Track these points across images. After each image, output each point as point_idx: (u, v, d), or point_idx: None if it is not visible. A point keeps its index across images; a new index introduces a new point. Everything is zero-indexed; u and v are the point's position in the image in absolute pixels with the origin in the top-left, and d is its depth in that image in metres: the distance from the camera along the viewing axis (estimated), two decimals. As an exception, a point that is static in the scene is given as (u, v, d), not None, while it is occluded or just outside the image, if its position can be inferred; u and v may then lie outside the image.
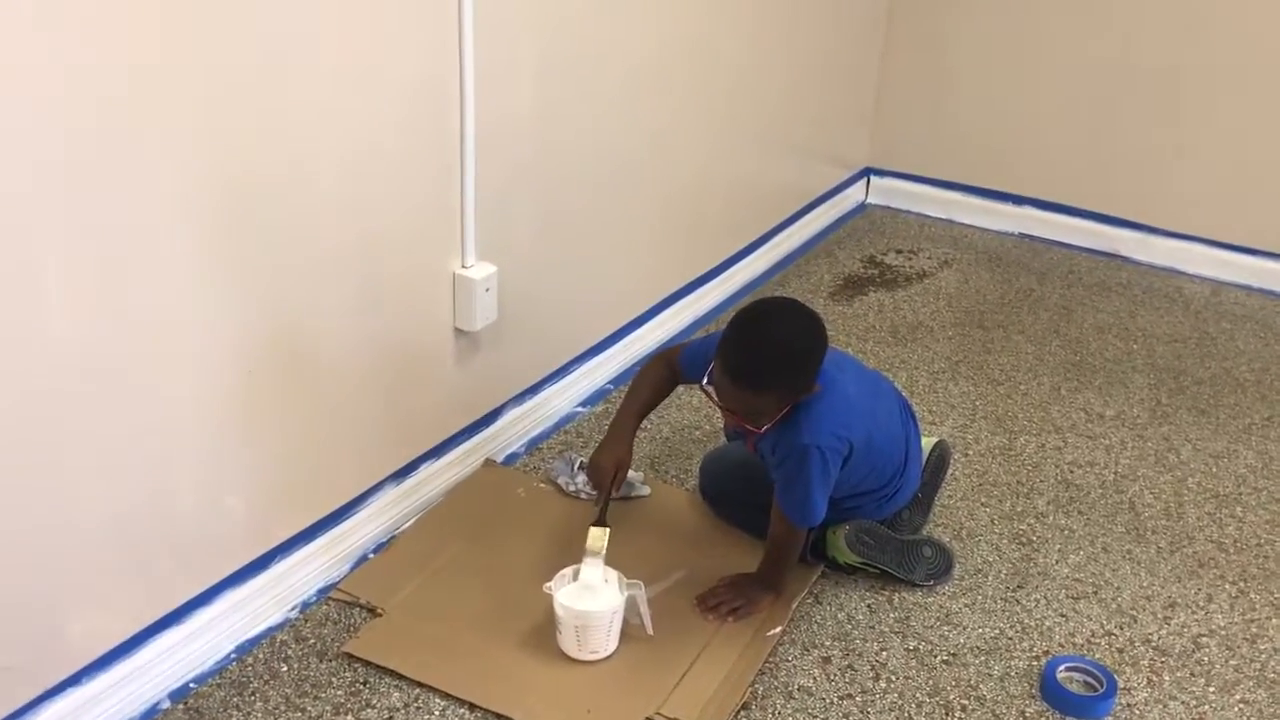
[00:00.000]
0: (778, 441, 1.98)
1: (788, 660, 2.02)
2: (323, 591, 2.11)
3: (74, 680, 1.75)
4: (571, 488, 2.37)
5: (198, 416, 1.81)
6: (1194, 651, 2.08)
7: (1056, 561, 2.29)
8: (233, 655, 1.96)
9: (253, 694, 1.89)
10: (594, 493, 2.33)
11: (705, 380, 1.99)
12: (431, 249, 2.17)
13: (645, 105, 2.68)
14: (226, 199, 1.73)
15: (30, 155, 1.46)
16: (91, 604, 1.75)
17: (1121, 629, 2.13)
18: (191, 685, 1.90)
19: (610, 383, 2.80)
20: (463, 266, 2.23)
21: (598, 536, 2.04)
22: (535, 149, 2.35)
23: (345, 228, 1.97)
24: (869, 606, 2.15)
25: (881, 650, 2.05)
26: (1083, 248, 3.65)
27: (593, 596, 1.96)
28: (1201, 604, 2.19)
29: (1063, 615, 2.15)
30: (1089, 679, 1.99)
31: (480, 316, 2.27)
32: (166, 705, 1.86)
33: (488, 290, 2.26)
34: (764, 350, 1.90)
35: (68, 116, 1.49)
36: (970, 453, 2.62)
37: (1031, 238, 3.71)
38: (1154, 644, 2.09)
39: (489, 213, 2.24)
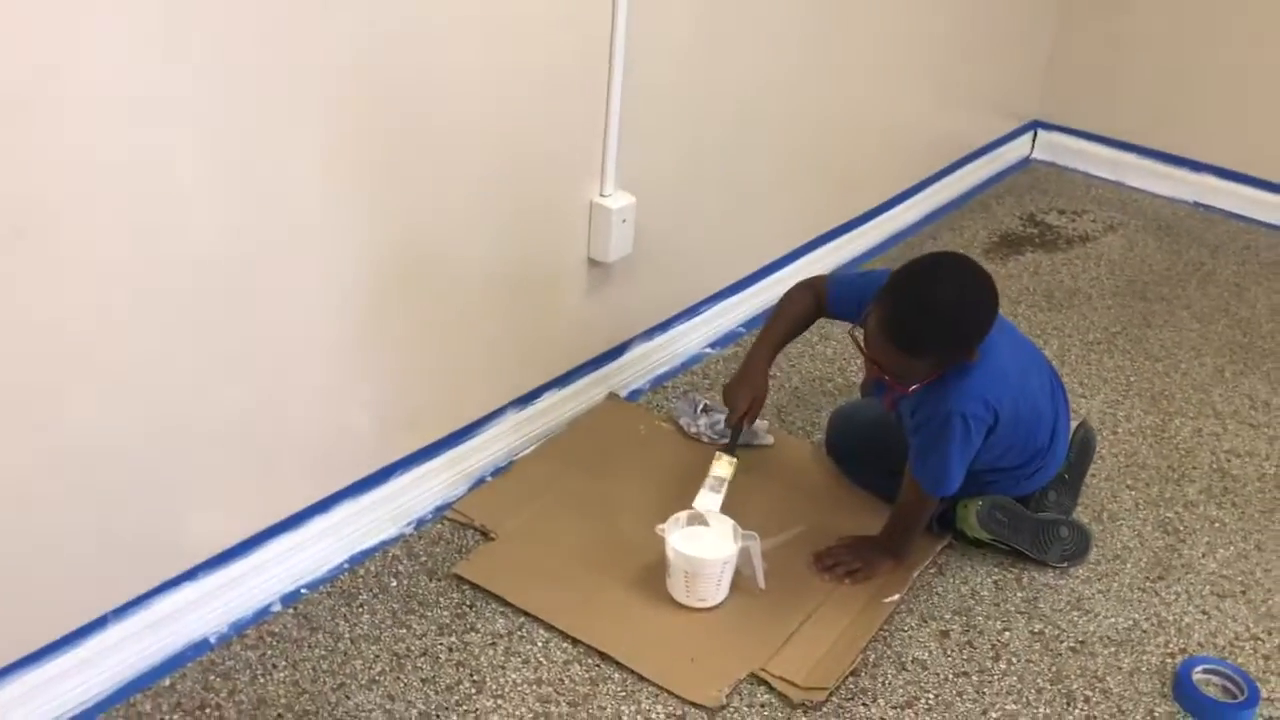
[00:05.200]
0: (920, 403, 1.87)
1: (903, 630, 1.94)
2: (439, 510, 2.10)
3: (189, 575, 1.78)
4: (693, 429, 2.31)
5: (327, 326, 1.81)
6: (1349, 667, 1.93)
7: (1203, 555, 2.14)
8: (345, 565, 1.97)
9: (360, 605, 1.90)
10: (715, 435, 2.27)
11: (856, 326, 1.87)
12: (570, 174, 2.12)
13: (805, 41, 2.56)
14: (370, 108, 1.70)
15: (169, 54, 1.45)
16: (211, 502, 1.77)
17: (1270, 634, 1.98)
18: (303, 591, 1.92)
19: (742, 325, 2.71)
20: (601, 195, 2.17)
21: (725, 464, 1.98)
22: (686, 79, 2.27)
23: (487, 149, 1.92)
24: (995, 583, 2.04)
25: (1005, 630, 1.95)
26: (1263, 222, 3.39)
27: (706, 544, 1.91)
28: (1362, 617, 2.03)
29: (1204, 613, 2.01)
30: (1228, 684, 1.86)
31: (615, 248, 2.21)
32: (277, 608, 1.88)
33: (624, 221, 2.19)
34: (930, 313, 1.76)
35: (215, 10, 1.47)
36: (1120, 431, 2.47)
37: (1207, 207, 3.47)
38: (1304, 654, 1.95)
39: (632, 142, 2.16)
